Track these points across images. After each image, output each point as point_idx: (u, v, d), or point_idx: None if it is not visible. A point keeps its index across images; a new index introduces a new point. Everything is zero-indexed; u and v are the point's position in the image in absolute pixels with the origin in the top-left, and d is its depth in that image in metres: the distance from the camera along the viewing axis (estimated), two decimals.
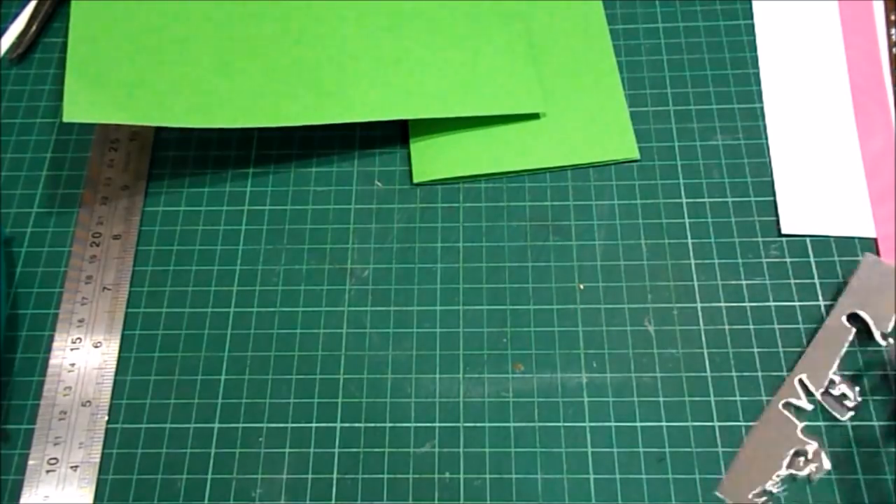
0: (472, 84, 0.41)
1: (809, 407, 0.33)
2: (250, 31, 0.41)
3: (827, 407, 0.34)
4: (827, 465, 0.32)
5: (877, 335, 0.34)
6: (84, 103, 0.37)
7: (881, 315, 0.35)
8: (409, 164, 0.41)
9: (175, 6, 0.41)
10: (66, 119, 0.37)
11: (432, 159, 0.40)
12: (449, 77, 0.41)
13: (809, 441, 0.33)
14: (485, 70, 0.41)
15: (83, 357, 0.37)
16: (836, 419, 0.34)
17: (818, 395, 0.33)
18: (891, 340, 0.35)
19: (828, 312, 0.36)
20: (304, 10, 0.42)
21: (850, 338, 0.34)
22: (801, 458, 0.32)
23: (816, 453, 0.32)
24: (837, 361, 0.34)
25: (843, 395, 0.34)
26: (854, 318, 0.35)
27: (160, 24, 0.40)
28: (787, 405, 0.34)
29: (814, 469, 0.32)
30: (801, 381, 0.34)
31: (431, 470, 0.34)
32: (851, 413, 0.33)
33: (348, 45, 0.41)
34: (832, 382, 0.34)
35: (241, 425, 0.35)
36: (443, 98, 0.40)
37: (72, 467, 0.35)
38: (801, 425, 0.33)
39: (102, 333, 0.37)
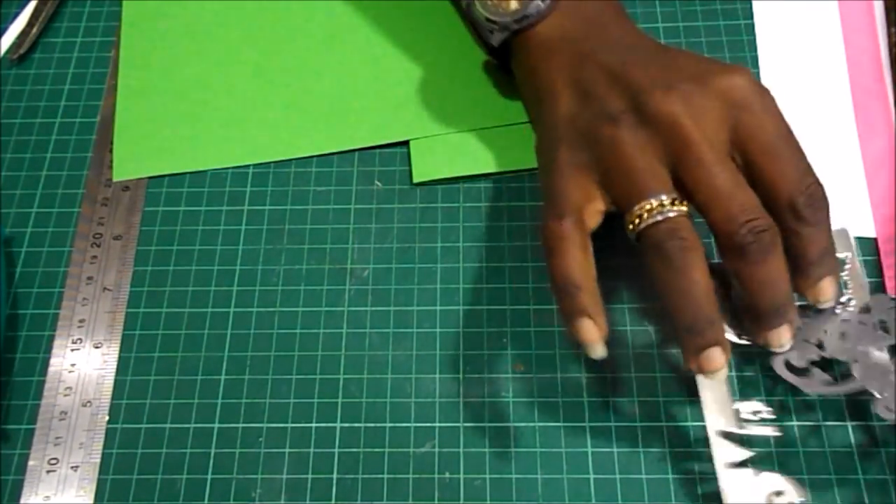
0: (474, 97, 0.42)
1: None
2: (268, 74, 0.43)
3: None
4: (799, 496, 0.32)
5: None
6: (130, 162, 0.41)
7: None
8: (409, 164, 0.41)
9: (199, 68, 0.44)
10: (115, 179, 0.41)
11: (432, 159, 0.40)
12: (454, 93, 0.42)
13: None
14: (487, 82, 0.42)
15: (84, 357, 0.37)
16: (838, 421, 0.34)
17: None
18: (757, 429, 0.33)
19: None
20: (310, 49, 0.44)
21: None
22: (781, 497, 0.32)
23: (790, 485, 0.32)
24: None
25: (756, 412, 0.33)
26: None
27: (188, 84, 0.43)
28: None
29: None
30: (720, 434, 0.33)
31: (431, 470, 0.34)
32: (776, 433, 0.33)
33: (355, 74, 0.43)
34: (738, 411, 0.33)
35: (240, 425, 0.35)
36: (446, 116, 0.41)
37: (72, 467, 0.35)
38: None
39: (103, 334, 0.37)
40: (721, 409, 0.33)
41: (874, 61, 0.42)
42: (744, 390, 0.35)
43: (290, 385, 0.36)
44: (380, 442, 0.35)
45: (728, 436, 0.33)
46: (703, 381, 0.33)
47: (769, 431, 0.33)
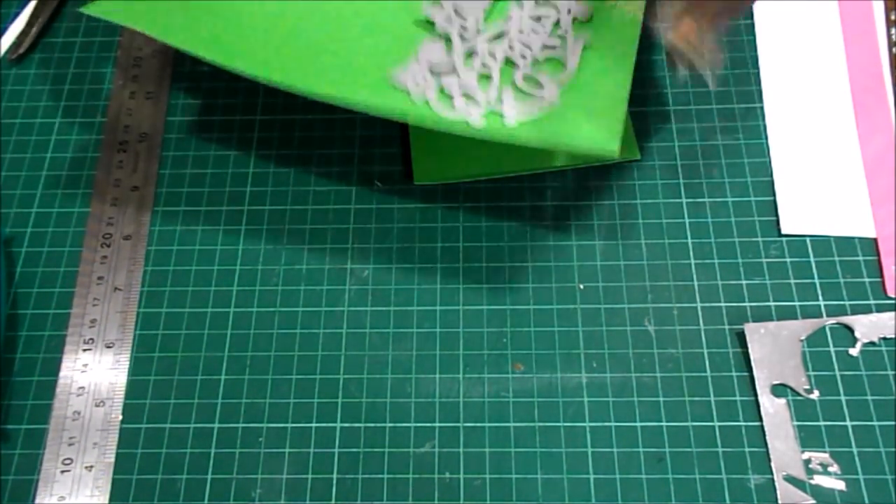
0: None
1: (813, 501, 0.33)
2: None
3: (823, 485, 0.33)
4: None
5: (803, 393, 0.35)
6: (111, 5, 0.37)
7: (794, 370, 0.35)
8: (409, 164, 0.41)
9: None
10: (88, 10, 0.37)
11: (432, 160, 0.40)
12: None
13: None
14: None
15: (96, 357, 0.37)
16: (836, 419, 0.34)
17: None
18: (816, 392, 0.35)
19: (828, 313, 0.36)
20: None
21: (791, 411, 0.34)
22: None
23: None
24: (797, 437, 0.34)
25: (824, 465, 0.33)
26: (779, 387, 0.35)
27: None
28: None
29: None
30: (787, 479, 0.33)
31: (431, 470, 0.34)
32: (842, 486, 0.33)
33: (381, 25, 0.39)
34: (809, 461, 0.33)
35: (240, 425, 0.35)
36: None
37: (86, 467, 0.35)
38: None
39: (115, 334, 0.37)
40: (791, 457, 0.33)
41: (874, 61, 0.42)
42: (808, 442, 0.34)
43: (289, 385, 0.36)
44: (380, 442, 0.35)
45: (794, 482, 0.33)
46: (773, 430, 0.34)
47: (836, 484, 0.33)
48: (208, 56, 0.36)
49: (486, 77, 0.36)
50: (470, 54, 0.37)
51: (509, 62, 0.37)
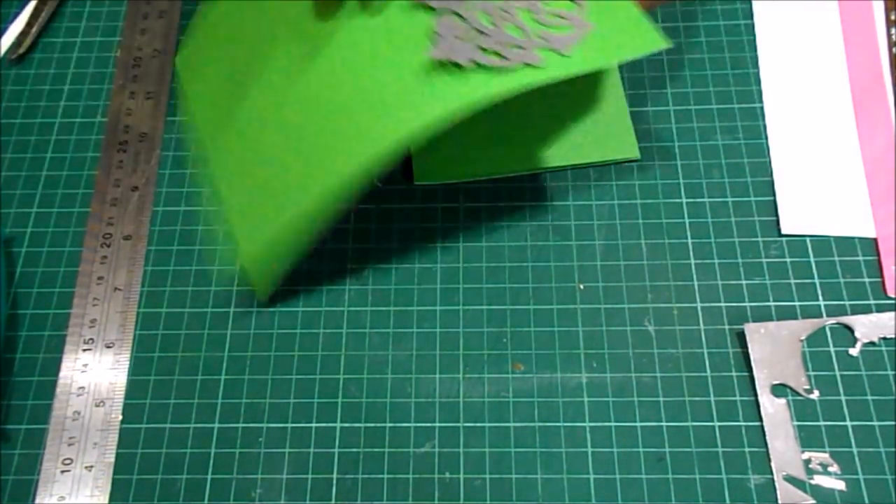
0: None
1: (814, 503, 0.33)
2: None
3: (823, 484, 0.33)
4: None
5: (803, 393, 0.35)
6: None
7: (794, 370, 0.35)
8: (410, 164, 0.41)
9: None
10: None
11: (432, 160, 0.40)
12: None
13: None
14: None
15: (96, 357, 0.37)
16: (836, 419, 0.34)
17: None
18: (816, 392, 0.35)
19: (828, 313, 0.36)
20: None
21: (791, 411, 0.34)
22: None
23: None
24: (797, 437, 0.34)
25: (824, 465, 0.33)
26: (779, 387, 0.35)
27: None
28: None
29: None
30: (787, 479, 0.33)
31: (431, 470, 0.34)
32: (842, 485, 0.33)
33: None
34: (809, 461, 0.33)
35: (240, 425, 0.35)
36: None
37: (86, 467, 0.35)
38: None
39: (115, 333, 0.37)
40: (791, 457, 0.33)
41: (874, 61, 0.42)
42: (808, 442, 0.34)
43: (289, 385, 0.36)
44: (380, 442, 0.35)
45: (794, 482, 0.33)
46: (773, 430, 0.34)
47: (836, 484, 0.33)
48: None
49: (512, 27, 0.34)
50: (483, 14, 0.34)
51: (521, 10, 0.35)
